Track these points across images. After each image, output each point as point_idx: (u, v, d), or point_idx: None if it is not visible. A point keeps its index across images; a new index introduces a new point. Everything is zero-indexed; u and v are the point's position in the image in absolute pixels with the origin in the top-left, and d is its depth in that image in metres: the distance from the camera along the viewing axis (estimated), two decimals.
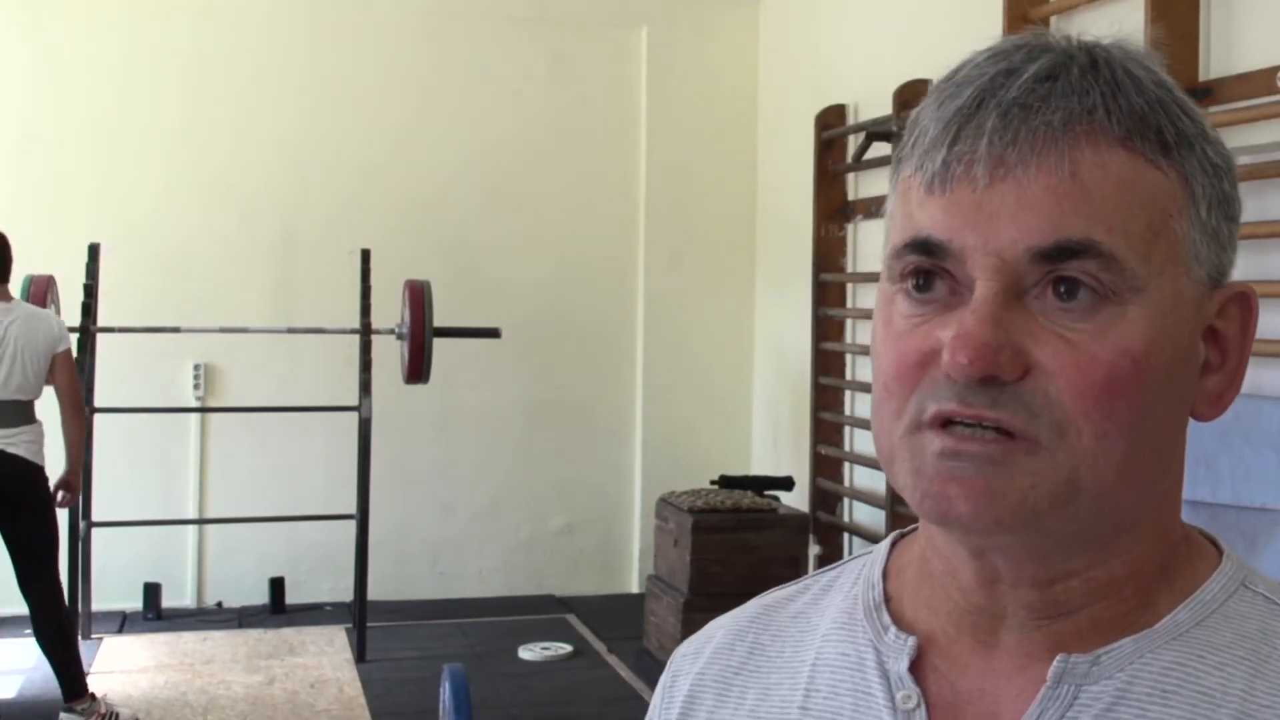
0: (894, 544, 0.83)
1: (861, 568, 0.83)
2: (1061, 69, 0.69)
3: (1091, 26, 4.32)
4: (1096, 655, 0.71)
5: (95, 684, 4.87)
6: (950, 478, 0.68)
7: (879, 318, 0.73)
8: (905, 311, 0.71)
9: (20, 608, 4.84)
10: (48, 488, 4.61)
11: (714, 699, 0.83)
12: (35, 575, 4.56)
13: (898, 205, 0.73)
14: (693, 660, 0.86)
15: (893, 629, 0.77)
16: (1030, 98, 0.68)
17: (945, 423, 0.68)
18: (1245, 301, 0.74)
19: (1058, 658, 0.71)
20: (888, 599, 0.79)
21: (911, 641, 0.76)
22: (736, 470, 6.66)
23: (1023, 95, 0.68)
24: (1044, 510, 0.68)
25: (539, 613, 6.53)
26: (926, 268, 0.70)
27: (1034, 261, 0.67)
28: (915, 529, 0.81)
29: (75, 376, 4.71)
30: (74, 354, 4.77)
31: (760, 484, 5.93)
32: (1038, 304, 0.68)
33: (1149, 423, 0.69)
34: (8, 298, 4.63)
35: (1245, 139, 3.62)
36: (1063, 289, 0.68)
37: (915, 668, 0.75)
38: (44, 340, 4.60)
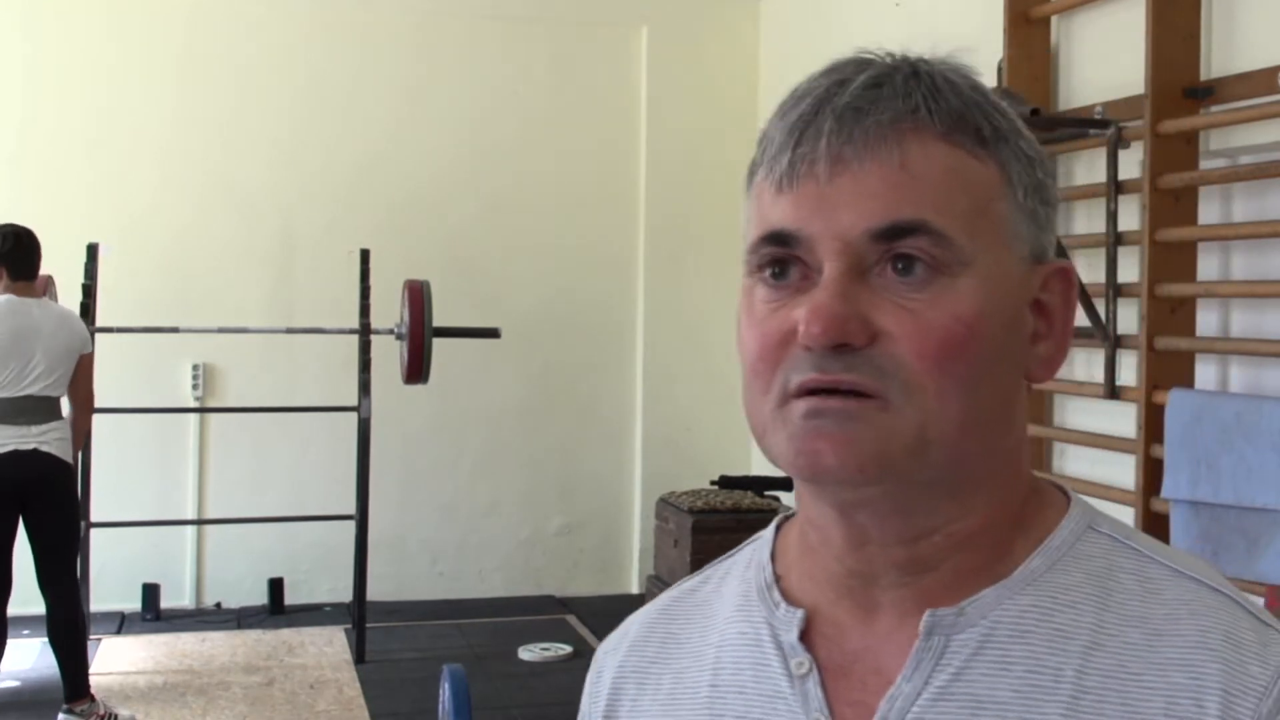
0: (778, 528, 0.90)
1: (753, 554, 0.90)
2: (886, 77, 0.78)
3: (1091, 26, 4.34)
4: (961, 607, 0.79)
5: (94, 684, 4.86)
6: (817, 434, 0.76)
7: (742, 309, 0.82)
8: (764, 298, 0.80)
9: (21, 610, 4.84)
10: (75, 486, 4.66)
11: (635, 688, 0.90)
12: (56, 573, 4.61)
13: (753, 208, 0.82)
14: (613, 655, 0.93)
15: (783, 605, 0.84)
16: (861, 101, 0.77)
17: (808, 392, 0.76)
18: (1065, 275, 0.82)
19: (927, 612, 0.79)
20: (777, 578, 0.86)
21: (800, 614, 0.83)
22: (737, 470, 6.65)
23: (854, 100, 0.77)
24: (899, 459, 0.75)
25: (539, 613, 6.52)
26: (781, 256, 0.78)
27: (873, 241, 0.76)
28: (795, 513, 0.88)
29: (92, 379, 4.83)
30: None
31: (760, 484, 5.92)
32: (879, 280, 0.76)
33: (985, 380, 0.77)
34: (37, 295, 4.70)
35: (1245, 139, 3.61)
36: (900, 265, 0.76)
37: (805, 637, 0.83)
38: (75, 341, 4.71)
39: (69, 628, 4.63)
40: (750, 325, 0.81)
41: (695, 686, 0.86)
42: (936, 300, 0.75)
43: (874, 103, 0.77)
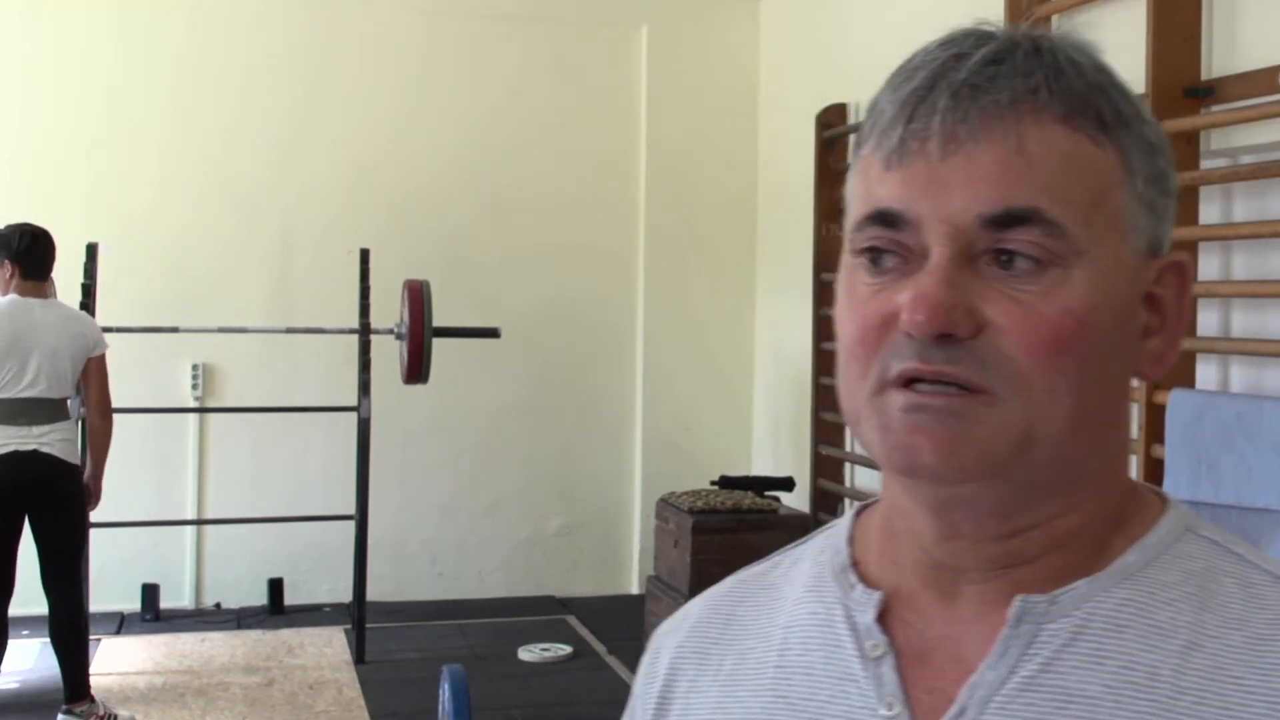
0: (858, 515, 0.88)
1: (827, 539, 0.88)
2: (1007, 53, 0.74)
3: (1092, 26, 4.32)
4: (1054, 595, 0.76)
5: (93, 685, 4.85)
6: (916, 429, 0.73)
7: (843, 288, 0.78)
8: (867, 279, 0.76)
9: (21, 610, 4.83)
10: (81, 487, 4.65)
11: (694, 669, 0.87)
12: (60, 574, 4.61)
13: (858, 183, 0.78)
14: (672, 636, 0.90)
15: (859, 586, 0.82)
16: (979, 79, 0.74)
17: (909, 381, 0.73)
18: (1181, 270, 0.79)
19: (1017, 599, 0.76)
20: (854, 563, 0.84)
21: (877, 595, 0.80)
22: (737, 470, 6.65)
23: (972, 76, 0.74)
24: (1004, 458, 0.73)
25: (538, 614, 6.52)
26: (883, 245, 0.75)
27: (984, 228, 0.72)
28: (876, 501, 0.86)
29: (107, 382, 4.77)
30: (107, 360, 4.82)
31: (761, 484, 5.92)
32: (988, 269, 0.73)
33: (1094, 377, 0.74)
34: (44, 294, 4.68)
35: (1246, 139, 3.61)
36: (1010, 257, 0.73)
37: (882, 620, 0.80)
38: (81, 341, 4.67)
39: (71, 628, 4.63)
40: (850, 306, 0.77)
41: (759, 667, 0.83)
42: (1048, 293, 0.72)
43: (992, 80, 0.73)
